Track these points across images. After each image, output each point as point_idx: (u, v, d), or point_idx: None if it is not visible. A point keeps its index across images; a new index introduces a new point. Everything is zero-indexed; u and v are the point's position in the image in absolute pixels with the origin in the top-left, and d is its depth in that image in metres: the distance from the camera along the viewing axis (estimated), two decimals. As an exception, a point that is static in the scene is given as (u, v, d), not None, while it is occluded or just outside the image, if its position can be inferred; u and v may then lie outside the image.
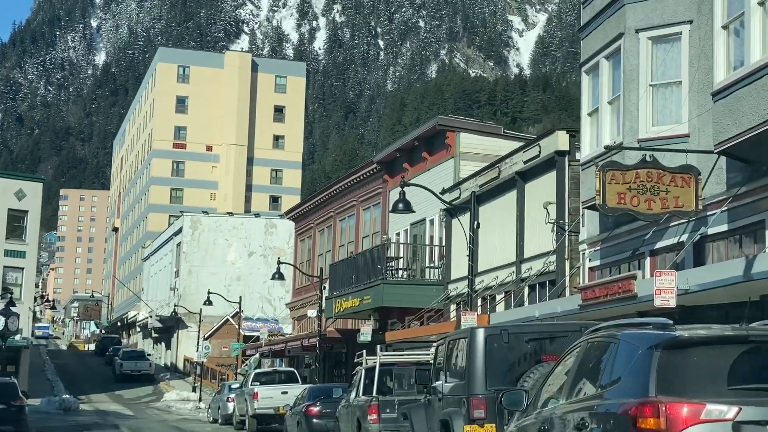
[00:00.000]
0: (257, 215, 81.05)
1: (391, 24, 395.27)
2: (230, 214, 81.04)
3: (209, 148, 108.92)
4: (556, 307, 20.36)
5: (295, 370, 38.08)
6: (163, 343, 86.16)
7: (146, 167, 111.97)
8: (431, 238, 35.26)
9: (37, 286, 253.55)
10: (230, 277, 77.24)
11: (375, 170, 40.43)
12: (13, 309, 57.17)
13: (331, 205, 46.43)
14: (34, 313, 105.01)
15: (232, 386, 40.76)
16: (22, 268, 62.17)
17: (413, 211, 23.98)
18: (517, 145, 30.94)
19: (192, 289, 76.92)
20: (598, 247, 22.91)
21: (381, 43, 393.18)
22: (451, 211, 33.10)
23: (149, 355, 78.73)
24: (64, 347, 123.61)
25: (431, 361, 17.58)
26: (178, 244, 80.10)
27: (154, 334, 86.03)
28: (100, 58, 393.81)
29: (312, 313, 45.95)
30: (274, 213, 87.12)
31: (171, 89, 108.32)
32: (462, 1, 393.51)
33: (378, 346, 22.29)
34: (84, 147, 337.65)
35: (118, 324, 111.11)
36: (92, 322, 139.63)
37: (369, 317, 37.10)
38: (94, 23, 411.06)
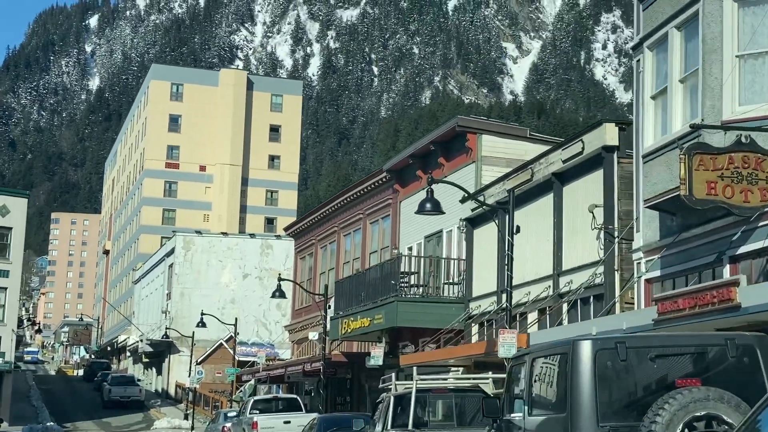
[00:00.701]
0: (252, 236, 77.46)
1: (385, 50, 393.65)
2: (224, 234, 77.46)
3: (203, 168, 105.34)
4: (620, 324, 16.84)
5: (298, 397, 34.44)
6: (154, 369, 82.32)
7: (138, 188, 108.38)
8: (448, 251, 31.80)
9: (27, 310, 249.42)
10: (224, 300, 73.60)
11: (384, 179, 37.00)
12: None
13: (335, 220, 42.97)
14: (20, 336, 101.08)
15: (228, 414, 37.13)
16: (5, 288, 58.46)
17: (443, 212, 20.56)
18: (544, 148, 27.61)
19: (184, 312, 73.24)
20: (658, 255, 19.43)
21: (375, 69, 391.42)
22: (473, 221, 29.69)
23: (139, 380, 74.88)
24: (53, 372, 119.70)
25: (482, 387, 14.05)
26: (170, 266, 76.46)
27: (144, 359, 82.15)
28: (94, 84, 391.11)
29: (313, 335, 42.37)
30: (269, 234, 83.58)
31: (164, 107, 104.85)
32: (456, 27, 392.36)
33: (414, 368, 18.64)
34: (77, 172, 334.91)
35: (108, 349, 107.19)
36: (82, 347, 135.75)
37: (380, 339, 33.54)
38: (88, 48, 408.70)
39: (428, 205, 20.47)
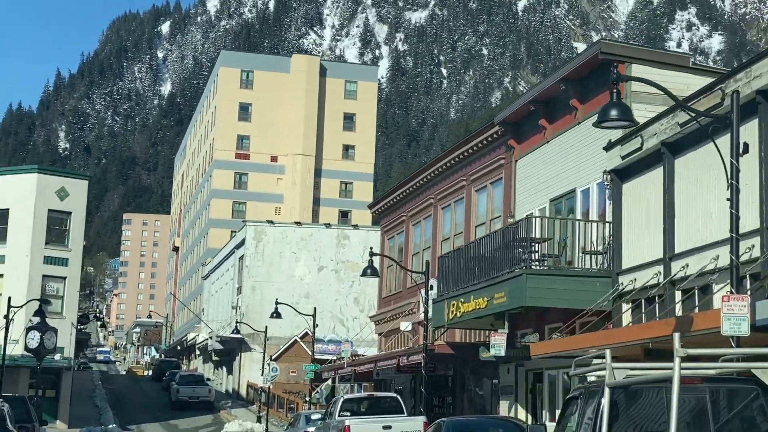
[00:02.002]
0: (328, 225, 71.19)
1: (454, 52, 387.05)
2: (298, 224, 71.29)
3: (274, 159, 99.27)
4: None
5: (398, 397, 27.90)
6: (224, 368, 76.60)
7: (207, 180, 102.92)
8: (585, 215, 25.10)
9: (101, 312, 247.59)
10: (298, 294, 67.47)
11: (496, 136, 30.37)
12: (50, 323, 48.17)
13: (431, 190, 36.46)
14: (87, 335, 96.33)
15: (311, 417, 30.82)
16: (64, 278, 52.95)
17: (633, 122, 13.84)
18: (709, 81, 20.89)
19: (256, 307, 67.38)
20: None
21: (444, 71, 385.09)
22: (622, 173, 22.99)
23: (209, 380, 69.12)
24: (123, 372, 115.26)
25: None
26: (241, 258, 70.67)
27: (214, 358, 76.44)
28: (166, 89, 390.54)
29: (406, 326, 35.94)
30: (346, 225, 77.14)
31: (234, 95, 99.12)
32: (526, 28, 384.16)
33: (607, 351, 11.92)
34: (149, 176, 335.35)
35: (178, 348, 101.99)
36: (152, 347, 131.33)
37: (493, 326, 26.96)
38: (160, 54, 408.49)
39: (614, 112, 13.74)
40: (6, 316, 41.32)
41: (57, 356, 51.32)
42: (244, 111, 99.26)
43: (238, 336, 66.11)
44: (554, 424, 20.05)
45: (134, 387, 78.64)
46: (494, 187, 31.00)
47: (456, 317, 26.80)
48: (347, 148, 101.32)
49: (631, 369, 9.64)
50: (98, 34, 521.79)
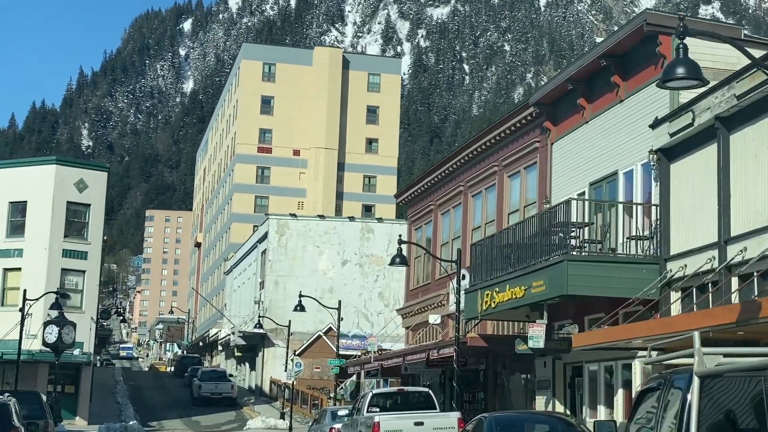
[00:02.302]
0: (352, 219, 69.79)
1: (476, 48, 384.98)
2: (321, 217, 69.89)
3: (296, 153, 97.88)
4: None
5: (430, 391, 26.40)
6: (247, 364, 75.34)
7: (229, 174, 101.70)
8: (628, 199, 23.53)
9: (124, 309, 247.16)
10: (322, 289, 66.10)
11: (530, 118, 28.84)
12: (69, 318, 46.99)
13: (460, 178, 34.96)
14: (109, 331, 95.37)
15: (338, 413, 29.39)
16: (83, 272, 51.77)
17: (702, 80, 12.26)
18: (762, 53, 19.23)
19: (279, 302, 66.07)
20: None
21: (466, 67, 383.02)
22: (670, 151, 21.42)
23: (231, 376, 67.87)
24: (146, 369, 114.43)
25: None
26: (263, 252, 69.37)
27: (237, 353, 75.18)
28: (188, 86, 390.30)
29: (435, 318, 34.46)
30: (370, 218, 75.54)
31: (256, 88, 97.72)
32: (548, 23, 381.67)
33: (695, 334, 10.33)
34: (172, 173, 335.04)
35: (200, 344, 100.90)
36: (175, 344, 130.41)
37: (528, 317, 25.45)
38: (182, 52, 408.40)
39: (681, 69, 12.19)
40: (21, 309, 40.10)
41: (76, 351, 50.17)
42: (266, 104, 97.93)
43: (261, 331, 64.69)
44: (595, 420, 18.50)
45: (156, 383, 77.56)
46: (528, 173, 29.47)
47: (490, 308, 25.30)
48: (370, 142, 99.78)
49: (725, 355, 8.15)
50: (121, 32, 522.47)
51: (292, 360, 52.24)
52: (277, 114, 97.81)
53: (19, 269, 50.57)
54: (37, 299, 40.97)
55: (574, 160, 26.34)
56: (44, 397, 33.31)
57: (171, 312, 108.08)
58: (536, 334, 22.70)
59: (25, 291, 41.68)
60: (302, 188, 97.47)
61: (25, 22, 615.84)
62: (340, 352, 61.21)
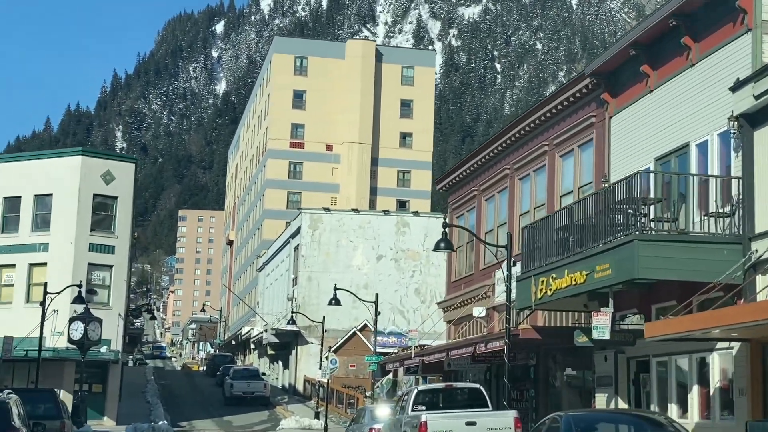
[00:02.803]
0: (387, 212, 67.38)
1: (507, 47, 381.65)
2: (355, 210, 67.54)
3: (329, 148, 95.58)
4: None
5: (482, 388, 23.92)
6: (279, 362, 73.20)
7: (261, 170, 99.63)
8: (703, 171, 20.96)
9: (158, 309, 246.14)
10: (356, 284, 63.68)
11: (585, 90, 26.31)
12: (96, 314, 45.04)
13: (506, 160, 32.48)
14: (140, 329, 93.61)
15: (378, 412, 27.01)
16: (110, 267, 49.74)
17: None
18: None
19: (312, 298, 63.86)
20: None
21: (498, 66, 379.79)
22: (754, 117, 18.85)
23: (264, 374, 65.72)
24: (179, 368, 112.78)
25: None
26: (296, 248, 67.18)
27: (270, 351, 73.05)
28: (221, 88, 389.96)
29: (479, 311, 31.99)
30: (405, 212, 72.91)
31: (288, 82, 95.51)
32: (581, 21, 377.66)
33: None
34: (205, 174, 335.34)
35: (233, 343, 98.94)
36: (208, 343, 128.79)
37: (597, 305, 22.92)
38: (214, 54, 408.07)
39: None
40: (42, 303, 38.07)
41: (103, 349, 48.17)
42: (299, 98, 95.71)
43: (294, 328, 62.62)
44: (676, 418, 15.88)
45: (187, 382, 75.62)
46: (583, 151, 26.94)
47: (546, 296, 22.80)
48: (404, 136, 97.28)
49: None
50: (154, 35, 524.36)
51: (326, 357, 49.96)
52: (310, 108, 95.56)
53: (44, 264, 48.64)
54: (59, 293, 38.90)
55: (636, 133, 23.81)
56: (60, 395, 31.15)
57: (203, 310, 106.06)
58: (601, 324, 20.20)
59: (45, 284, 39.64)
60: (335, 184, 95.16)
61: (59, 26, 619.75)
62: (377, 350, 59.09)
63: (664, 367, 21.79)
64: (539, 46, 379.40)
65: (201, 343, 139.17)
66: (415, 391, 22.90)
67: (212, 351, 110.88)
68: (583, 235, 21.49)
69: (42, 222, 49.43)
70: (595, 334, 20.36)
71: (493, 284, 32.04)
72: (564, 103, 27.48)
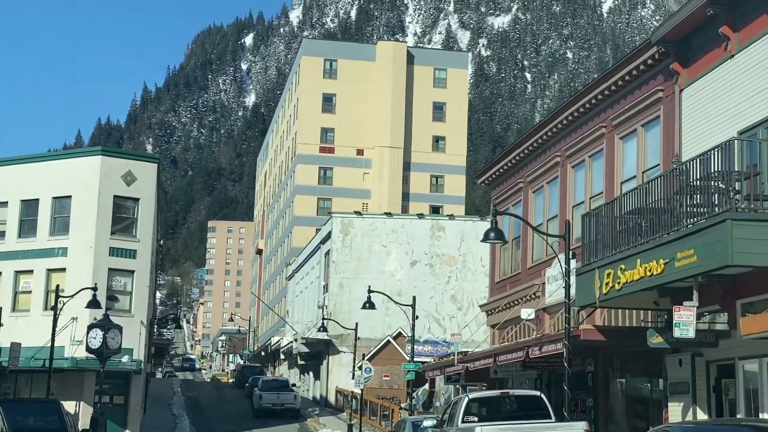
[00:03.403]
0: (421, 216, 64.50)
1: (538, 56, 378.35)
2: (388, 214, 64.67)
3: (360, 152, 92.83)
4: None
5: (543, 396, 20.96)
6: (310, 373, 70.43)
7: (290, 176, 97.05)
8: (798, 144, 17.94)
9: (188, 321, 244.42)
10: (390, 291, 60.55)
11: (651, 62, 23.36)
12: (117, 322, 42.51)
13: (556, 147, 29.55)
14: (167, 341, 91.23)
15: (422, 423, 24.14)
16: (132, 272, 47.15)
17: None
18: None
19: (344, 305, 61.09)
20: None
21: (528, 75, 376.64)
22: None
23: (294, 385, 62.97)
24: (208, 380, 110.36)
25: None
26: (327, 254, 64.47)
27: (300, 362, 70.29)
28: (250, 100, 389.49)
29: (528, 313, 29.04)
30: (440, 216, 69.91)
31: (317, 86, 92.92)
32: (611, 30, 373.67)
33: None
34: (235, 187, 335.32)
35: (262, 354, 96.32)
36: (237, 355, 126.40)
37: (670, 301, 19.95)
38: (244, 66, 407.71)
39: None
40: (54, 308, 35.51)
41: (124, 358, 45.54)
42: (328, 102, 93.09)
43: (325, 337, 59.92)
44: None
45: (216, 394, 73.00)
46: (648, 130, 23.97)
47: (613, 290, 19.83)
48: (437, 140, 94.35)
49: None
50: (183, 48, 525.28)
51: (359, 367, 47.14)
52: (340, 112, 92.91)
53: (63, 270, 46.14)
54: (71, 296, 36.32)
55: (714, 106, 20.81)
56: (64, 407, 28.51)
57: (231, 320, 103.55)
58: (684, 321, 17.23)
59: (57, 286, 37.11)
60: (366, 189, 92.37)
61: (89, 41, 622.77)
62: (407, 362, 56.26)
63: (753, 372, 18.77)
64: (570, 55, 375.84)
65: (231, 355, 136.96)
66: (466, 399, 19.98)
67: (241, 362, 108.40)
68: (657, 220, 18.55)
69: (61, 225, 46.94)
70: (677, 333, 17.38)
71: (543, 283, 29.10)
72: (625, 78, 24.55)
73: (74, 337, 44.55)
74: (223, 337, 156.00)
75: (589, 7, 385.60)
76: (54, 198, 47.14)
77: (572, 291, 21.93)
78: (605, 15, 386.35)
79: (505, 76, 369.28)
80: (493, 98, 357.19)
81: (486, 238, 21.72)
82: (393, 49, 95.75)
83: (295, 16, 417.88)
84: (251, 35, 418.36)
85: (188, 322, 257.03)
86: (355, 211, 65.39)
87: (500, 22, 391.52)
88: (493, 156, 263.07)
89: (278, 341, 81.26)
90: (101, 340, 40.51)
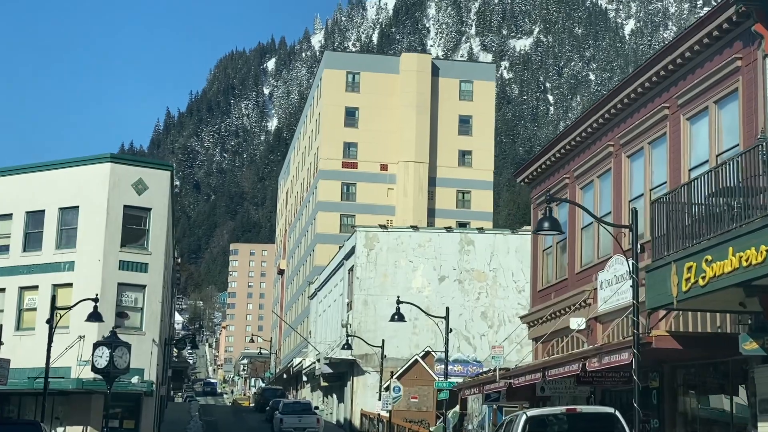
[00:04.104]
0: (449, 229, 61.04)
1: (560, 78, 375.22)
2: (414, 228, 61.33)
3: (384, 167, 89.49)
4: None
5: (617, 413, 17.53)
6: (334, 395, 66.96)
7: (312, 193, 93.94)
8: None
9: (210, 346, 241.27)
10: (416, 309, 57.39)
11: (727, 26, 19.96)
12: (127, 340, 39.39)
13: (608, 136, 26.16)
14: (184, 364, 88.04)
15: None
16: (143, 287, 44.04)
17: None
18: None
19: (369, 324, 57.72)
20: None
21: (550, 98, 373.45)
22: None
23: (317, 408, 59.49)
24: (229, 404, 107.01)
25: None
26: (350, 270, 61.18)
27: (323, 383, 66.80)
28: (272, 124, 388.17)
29: (578, 322, 25.59)
30: (469, 229, 66.41)
31: (339, 100, 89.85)
32: (634, 51, 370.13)
33: None
34: (257, 211, 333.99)
35: (284, 376, 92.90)
36: (259, 378, 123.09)
37: (757, 302, 16.49)
38: (266, 90, 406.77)
39: None
40: (49, 321, 32.32)
41: (134, 379, 42.38)
42: (351, 116, 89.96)
43: (350, 357, 56.53)
44: None
45: (235, 418, 69.57)
46: (721, 107, 20.57)
47: (695, 287, 16.38)
48: (464, 154, 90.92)
49: None
50: (206, 73, 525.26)
51: (386, 390, 43.74)
52: (363, 126, 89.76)
53: (70, 285, 43.07)
54: (70, 308, 33.16)
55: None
56: (46, 429, 25.24)
57: (251, 341, 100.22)
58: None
59: (54, 297, 34.01)
60: (391, 205, 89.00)
61: (113, 66, 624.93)
62: (441, 380, 52.78)
63: None
64: (592, 76, 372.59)
65: (253, 379, 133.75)
66: (524, 417, 16.58)
67: (263, 385, 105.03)
68: (751, 201, 15.16)
69: (67, 238, 43.97)
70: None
71: (594, 289, 25.67)
72: (694, 48, 21.17)
73: (81, 357, 41.47)
74: (245, 361, 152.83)
75: (610, 29, 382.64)
76: (60, 209, 44.22)
77: (636, 293, 18.49)
78: (627, 37, 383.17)
79: (528, 98, 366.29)
80: (515, 120, 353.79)
81: (539, 229, 18.33)
82: (417, 61, 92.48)
83: (317, 40, 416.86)
84: (273, 60, 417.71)
85: (211, 346, 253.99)
86: (379, 225, 62.06)
87: (522, 44, 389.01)
88: (516, 178, 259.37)
89: (300, 362, 77.90)
90: (108, 358, 37.28)
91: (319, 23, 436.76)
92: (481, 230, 61.23)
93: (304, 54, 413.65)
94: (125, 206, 43.57)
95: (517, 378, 24.87)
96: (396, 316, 35.28)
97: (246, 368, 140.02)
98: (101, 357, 37.49)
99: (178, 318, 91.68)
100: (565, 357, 22.64)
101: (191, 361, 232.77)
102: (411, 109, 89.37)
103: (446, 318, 35.21)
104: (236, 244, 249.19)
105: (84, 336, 41.03)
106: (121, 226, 43.37)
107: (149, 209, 44.30)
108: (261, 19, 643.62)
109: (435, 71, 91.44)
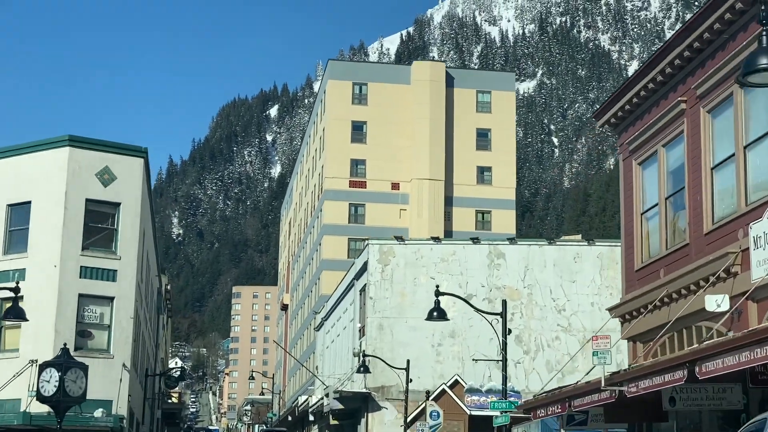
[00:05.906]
0: (476, 240, 52.16)
1: (564, 120, 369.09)
2: (435, 239, 52.48)
3: (395, 186, 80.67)
4: None
5: None
6: (345, 436, 57.60)
7: (317, 216, 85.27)
8: None
9: (214, 394, 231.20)
10: (440, 333, 48.85)
11: None
12: (83, 361, 30.55)
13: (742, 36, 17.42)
14: (164, 392, 78.84)
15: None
16: (111, 298, 35.29)
17: None
18: None
19: (384, 350, 48.66)
20: None
21: (555, 140, 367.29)
22: None
23: (325, 451, 50.30)
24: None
25: None
26: (362, 290, 52.39)
27: (332, 422, 57.42)
28: (276, 171, 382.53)
29: (717, 301, 16.69)
30: (499, 239, 57.43)
31: (345, 113, 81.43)
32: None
33: None
34: (261, 258, 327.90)
35: (289, 418, 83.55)
36: (263, 424, 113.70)
37: None
38: (269, 137, 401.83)
39: None
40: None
41: (98, 412, 33.41)
42: (358, 131, 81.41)
43: (363, 390, 47.60)
44: None
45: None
46: None
47: None
48: (482, 171, 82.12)
49: None
50: (208, 121, 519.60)
51: (412, 421, 34.74)
52: (371, 142, 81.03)
53: (20, 297, 34.36)
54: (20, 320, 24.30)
55: None
56: None
57: (251, 378, 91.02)
58: None
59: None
60: (403, 227, 79.91)
61: (115, 115, 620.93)
62: (474, 412, 43.96)
63: None
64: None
65: (256, 425, 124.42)
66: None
67: (264, 427, 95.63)
68: None
69: (17, 241, 35.36)
70: None
71: (743, 250, 16.84)
72: None
73: (32, 387, 32.76)
74: (248, 407, 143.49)
75: (614, 70, 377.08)
76: (9, 206, 35.61)
77: None
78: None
79: (532, 141, 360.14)
80: (520, 163, 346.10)
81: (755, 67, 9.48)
82: (430, 70, 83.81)
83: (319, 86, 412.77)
84: (276, 106, 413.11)
85: (214, 394, 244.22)
86: (395, 237, 53.22)
87: (525, 87, 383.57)
88: (522, 221, 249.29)
89: (306, 400, 68.71)
90: (56, 383, 28.48)
91: (321, 69, 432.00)
92: (512, 241, 52.37)
93: (306, 100, 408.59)
94: (88, 200, 35.06)
95: (637, 382, 15.79)
96: (435, 313, 26.43)
97: (249, 414, 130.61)
98: (48, 382, 28.73)
99: (177, 362, 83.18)
100: (726, 343, 13.67)
101: (194, 410, 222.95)
102: (424, 122, 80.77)
103: (503, 314, 26.36)
104: (239, 287, 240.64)
105: (36, 360, 32.27)
106: (82, 225, 34.83)
107: (118, 204, 35.70)
108: (263, 66, 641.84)
109: (449, 81, 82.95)
